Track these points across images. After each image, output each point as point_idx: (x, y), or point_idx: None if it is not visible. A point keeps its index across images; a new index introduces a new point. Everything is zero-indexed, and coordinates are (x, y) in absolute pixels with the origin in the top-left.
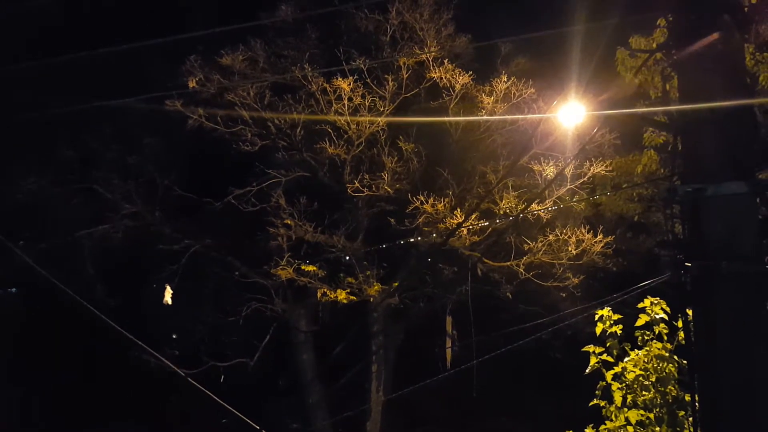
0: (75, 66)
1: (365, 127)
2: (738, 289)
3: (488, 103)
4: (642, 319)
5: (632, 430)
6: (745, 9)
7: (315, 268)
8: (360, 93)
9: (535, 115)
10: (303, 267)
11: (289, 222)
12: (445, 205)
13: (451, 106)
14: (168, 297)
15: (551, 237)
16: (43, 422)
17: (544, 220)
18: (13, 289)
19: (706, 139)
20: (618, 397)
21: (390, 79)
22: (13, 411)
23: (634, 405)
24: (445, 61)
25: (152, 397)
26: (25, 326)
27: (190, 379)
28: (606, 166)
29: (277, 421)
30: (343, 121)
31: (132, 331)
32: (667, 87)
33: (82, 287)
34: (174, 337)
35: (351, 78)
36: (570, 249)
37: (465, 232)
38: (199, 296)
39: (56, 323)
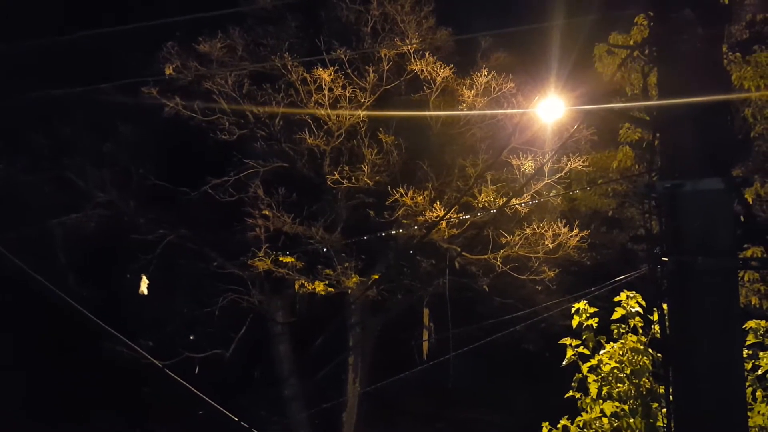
0: (49, 51)
1: (345, 118)
2: (713, 284)
3: (468, 97)
4: (618, 313)
5: (607, 421)
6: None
7: (293, 260)
8: (340, 84)
9: (514, 110)
10: (281, 258)
11: (267, 213)
12: (424, 198)
13: (432, 98)
14: (144, 287)
15: (528, 231)
16: (16, 413)
17: (522, 214)
18: None
19: (684, 136)
20: (594, 389)
21: (371, 71)
22: None
23: (609, 397)
24: (426, 54)
25: (126, 389)
26: None
27: (166, 370)
28: (583, 162)
29: (253, 414)
30: (323, 113)
31: (106, 322)
32: (647, 83)
33: (53, 276)
34: (149, 327)
35: (331, 68)
36: (546, 243)
37: (444, 225)
38: (174, 287)
39: (26, 313)
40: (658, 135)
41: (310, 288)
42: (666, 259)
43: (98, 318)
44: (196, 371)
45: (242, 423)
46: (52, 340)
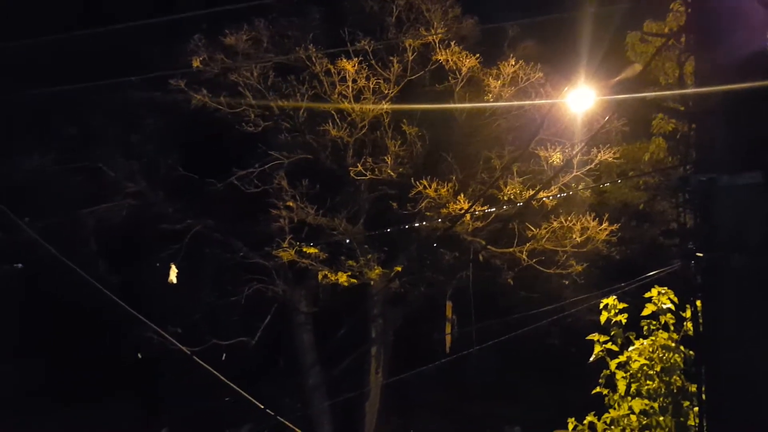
0: (78, 43)
1: (369, 110)
2: (748, 281)
3: (495, 87)
4: (648, 309)
5: (635, 419)
6: None
7: (316, 251)
8: (364, 75)
9: (542, 101)
10: (304, 249)
11: (290, 204)
12: (448, 190)
13: (457, 89)
14: (173, 276)
15: (555, 224)
16: (46, 396)
17: (549, 207)
18: (19, 265)
19: (721, 127)
20: (622, 386)
21: (395, 61)
22: (15, 385)
23: (638, 394)
24: (452, 43)
25: (152, 375)
26: (29, 302)
27: (194, 357)
28: (613, 153)
29: (277, 401)
30: (346, 105)
31: (134, 309)
32: (683, 72)
33: (84, 264)
34: (176, 315)
35: (355, 59)
36: (574, 236)
37: (468, 218)
38: (200, 276)
39: (59, 300)
40: (693, 126)
41: (333, 279)
42: (700, 255)
43: (127, 305)
44: (223, 358)
45: (267, 410)
46: (83, 327)
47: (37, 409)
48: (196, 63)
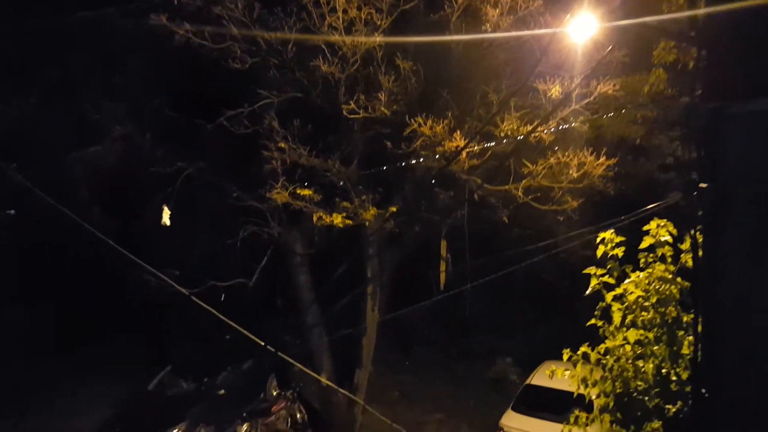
0: None
1: (361, 42)
2: (752, 213)
3: (492, 16)
4: (646, 242)
5: (630, 348)
6: None
7: (310, 192)
8: (355, 5)
9: (542, 30)
10: (298, 191)
11: (282, 145)
12: (443, 128)
13: (453, 19)
14: (166, 218)
15: (552, 160)
16: (50, 341)
17: (546, 143)
18: (12, 211)
19: (733, 52)
20: (617, 318)
21: None
22: (15, 330)
23: (633, 325)
24: None
25: (154, 317)
26: (24, 248)
27: (193, 297)
28: (613, 86)
29: (277, 339)
30: (337, 38)
31: (132, 253)
32: None
33: (78, 211)
34: (173, 258)
35: None
36: (571, 172)
37: (464, 155)
38: (195, 220)
39: (53, 245)
40: (703, 52)
41: (327, 220)
42: (704, 185)
43: (124, 249)
44: (222, 299)
45: (267, 347)
46: (79, 271)
47: (42, 354)
48: None
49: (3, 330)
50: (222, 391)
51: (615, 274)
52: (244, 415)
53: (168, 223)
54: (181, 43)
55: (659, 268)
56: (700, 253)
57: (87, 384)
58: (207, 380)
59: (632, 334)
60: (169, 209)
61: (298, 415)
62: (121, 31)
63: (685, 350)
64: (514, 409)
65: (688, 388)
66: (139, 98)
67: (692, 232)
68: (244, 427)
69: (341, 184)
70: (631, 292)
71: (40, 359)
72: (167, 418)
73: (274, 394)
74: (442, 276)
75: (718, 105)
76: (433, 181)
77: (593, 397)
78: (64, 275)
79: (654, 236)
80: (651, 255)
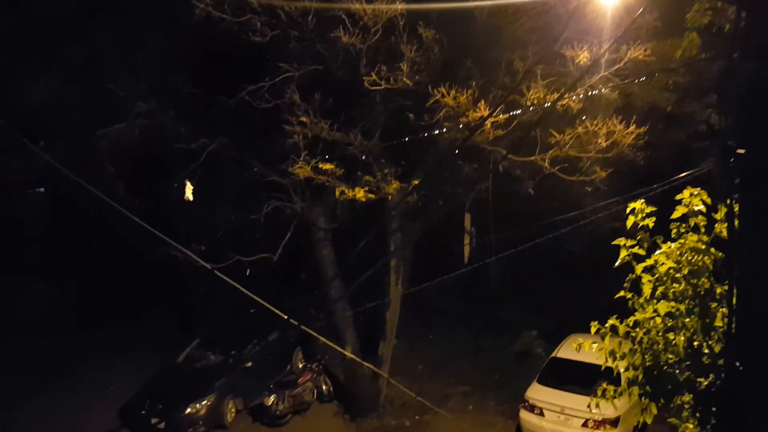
0: None
1: (382, 11)
2: None
3: None
4: (678, 211)
5: (660, 321)
6: None
7: (332, 167)
8: None
9: None
10: (320, 165)
11: (304, 119)
12: (467, 98)
13: None
14: (189, 193)
15: (580, 129)
16: (80, 314)
17: (574, 111)
18: (41, 189)
19: None
20: (647, 289)
21: None
22: (45, 307)
23: (664, 297)
24: None
25: (178, 291)
26: (52, 225)
27: (217, 272)
28: (644, 51)
29: (301, 313)
30: (358, 7)
31: (158, 228)
32: None
33: (103, 187)
34: (198, 234)
35: None
36: (600, 141)
37: (488, 126)
38: (219, 195)
39: (81, 222)
40: (742, 13)
41: (350, 194)
42: (741, 151)
43: (150, 225)
44: (247, 273)
45: (291, 320)
46: (106, 247)
47: (72, 330)
48: None
49: (34, 306)
50: (249, 364)
51: (645, 245)
52: (271, 386)
53: (191, 198)
54: (201, 18)
55: (692, 238)
56: (737, 222)
57: (117, 359)
58: (234, 353)
59: (663, 307)
60: (192, 185)
61: (324, 387)
62: (142, 7)
63: (718, 322)
64: (540, 382)
65: (720, 361)
66: (162, 75)
67: (728, 200)
68: (272, 398)
69: (363, 157)
70: (662, 264)
71: (70, 336)
72: (196, 391)
73: (300, 366)
74: (466, 249)
75: (758, 67)
76: (457, 153)
77: (621, 370)
78: (92, 252)
79: (687, 206)
80: (683, 225)
